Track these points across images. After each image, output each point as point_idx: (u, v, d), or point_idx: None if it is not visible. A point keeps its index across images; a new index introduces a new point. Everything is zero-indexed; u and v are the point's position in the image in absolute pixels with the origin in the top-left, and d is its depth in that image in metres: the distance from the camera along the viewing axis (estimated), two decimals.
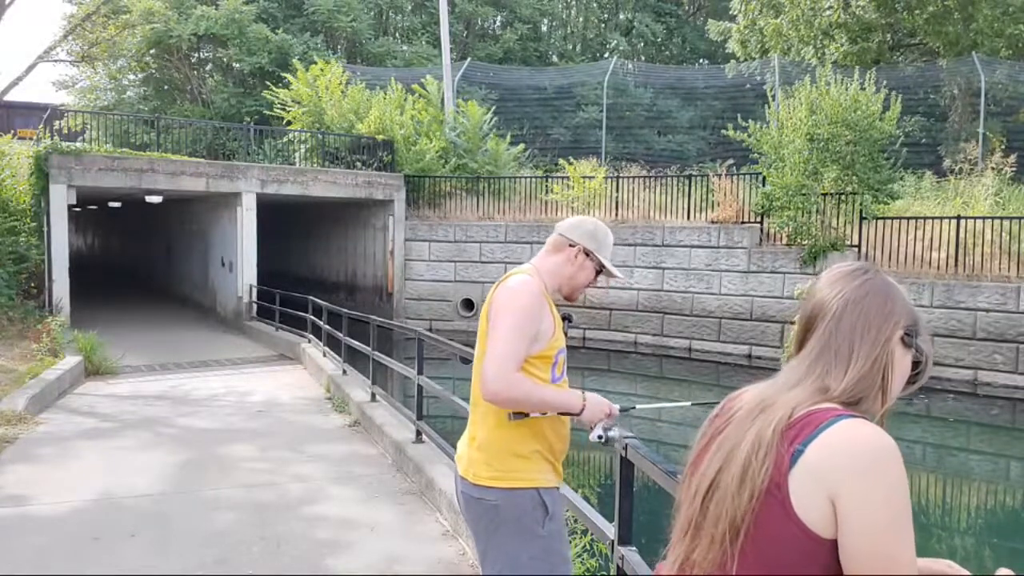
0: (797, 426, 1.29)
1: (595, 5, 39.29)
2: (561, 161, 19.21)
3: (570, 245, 2.60)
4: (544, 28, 38.56)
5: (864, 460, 1.23)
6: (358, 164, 19.62)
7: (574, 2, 39.68)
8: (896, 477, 1.24)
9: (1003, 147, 16.05)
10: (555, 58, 36.90)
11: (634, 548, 2.82)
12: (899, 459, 1.25)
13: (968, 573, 1.43)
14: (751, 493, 1.26)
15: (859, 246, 14.10)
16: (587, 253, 2.60)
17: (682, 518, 1.39)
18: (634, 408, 2.77)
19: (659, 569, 1.49)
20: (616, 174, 18.63)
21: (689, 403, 2.99)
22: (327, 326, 11.28)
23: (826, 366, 1.36)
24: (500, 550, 2.39)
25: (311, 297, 13.21)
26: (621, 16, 38.36)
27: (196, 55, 31.12)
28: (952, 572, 1.44)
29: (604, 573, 5.12)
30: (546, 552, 2.38)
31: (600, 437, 2.48)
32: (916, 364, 1.41)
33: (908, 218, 13.86)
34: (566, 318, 2.63)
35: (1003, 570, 1.34)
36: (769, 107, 15.96)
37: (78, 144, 16.04)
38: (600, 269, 2.64)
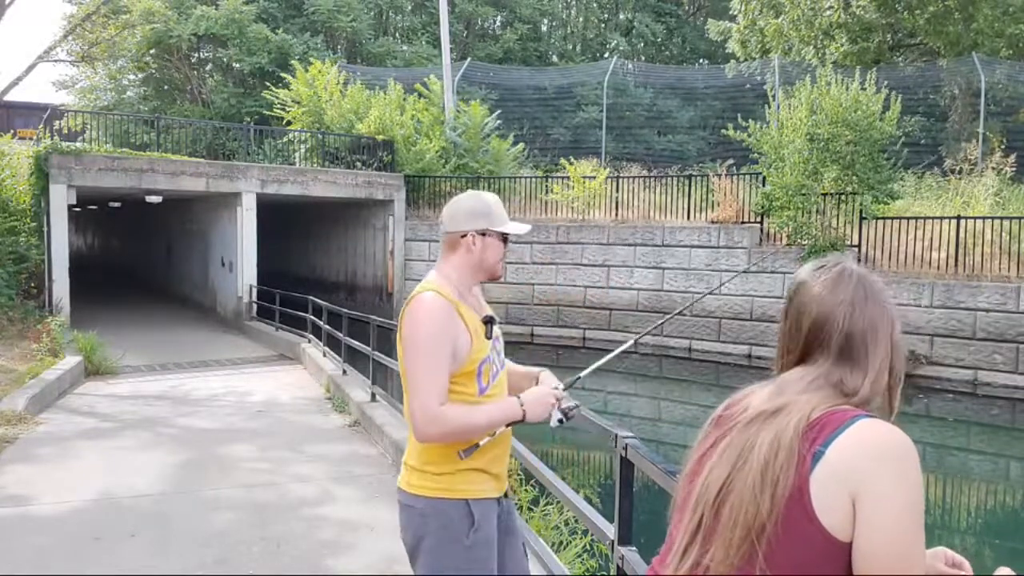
0: (816, 427, 1.28)
1: (595, 5, 39.29)
2: (562, 161, 19.21)
3: (462, 236, 2.48)
4: (544, 28, 38.56)
5: (887, 458, 1.24)
6: (358, 164, 19.63)
7: (574, 2, 39.68)
8: (916, 476, 1.24)
9: (1003, 147, 16.05)
10: (555, 58, 36.91)
11: (634, 548, 2.82)
12: (917, 459, 1.26)
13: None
14: (772, 496, 1.25)
15: (859, 246, 14.10)
16: (482, 234, 2.48)
17: (688, 521, 1.37)
18: (579, 378, 2.69)
19: (655, 567, 1.47)
20: (616, 174, 18.64)
21: (632, 340, 2.82)
22: (327, 326, 11.28)
23: (844, 371, 1.36)
24: (425, 558, 2.39)
25: (311, 297, 13.21)
26: (621, 16, 38.37)
27: (196, 55, 31.13)
28: (952, 571, 1.44)
29: (604, 573, 5.12)
30: (468, 562, 2.37)
31: (560, 421, 2.39)
32: None
33: (908, 218, 13.86)
34: (488, 320, 2.49)
35: (1003, 569, 1.34)
36: (769, 107, 15.97)
37: (78, 144, 16.04)
38: (504, 238, 2.52)
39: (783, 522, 1.24)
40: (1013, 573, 1.32)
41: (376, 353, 8.43)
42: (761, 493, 1.26)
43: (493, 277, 2.57)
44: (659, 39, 36.17)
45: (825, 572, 1.24)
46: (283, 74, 23.25)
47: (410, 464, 2.43)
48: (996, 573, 1.32)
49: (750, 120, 15.80)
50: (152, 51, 29.45)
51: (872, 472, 1.22)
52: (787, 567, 1.25)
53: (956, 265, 13.12)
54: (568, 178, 18.05)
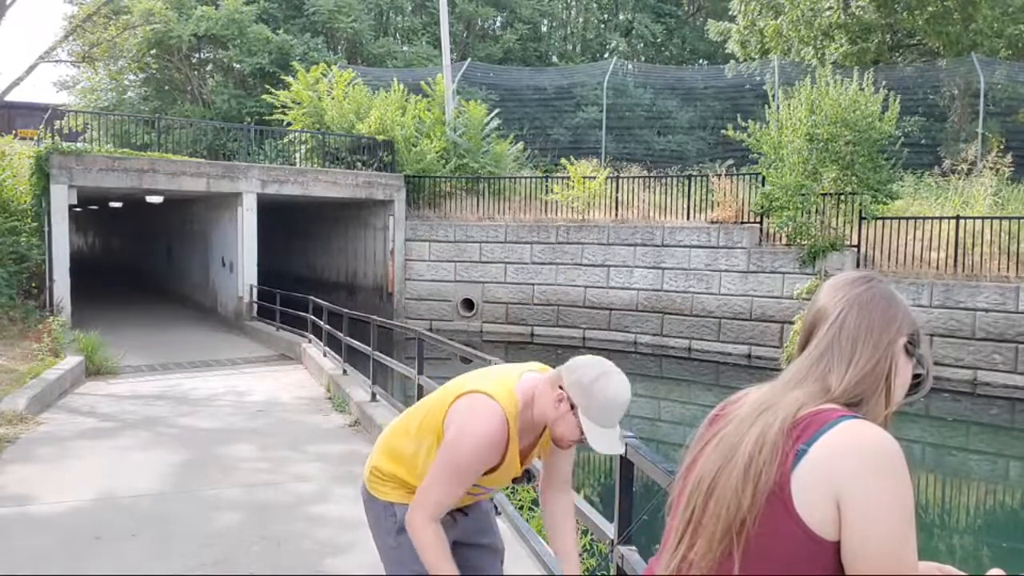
0: (801, 425, 1.29)
1: (595, 6, 39.26)
2: (563, 161, 19.23)
3: (560, 387, 2.21)
4: (544, 28, 38.54)
5: (871, 461, 1.24)
6: (358, 164, 19.64)
7: (574, 3, 39.65)
8: (902, 479, 1.24)
9: (1002, 147, 16.06)
10: (555, 58, 36.90)
11: (634, 548, 2.84)
12: (903, 461, 1.26)
13: None
14: (754, 491, 1.27)
15: (858, 246, 14.11)
16: (572, 406, 2.19)
17: (679, 517, 1.39)
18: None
19: (652, 566, 1.49)
20: (616, 174, 18.64)
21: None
22: (327, 326, 11.30)
23: (828, 365, 1.37)
24: (377, 549, 2.59)
25: (311, 297, 13.23)
26: (621, 17, 38.35)
27: (196, 55, 31.12)
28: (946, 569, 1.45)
29: (604, 573, 5.13)
30: (397, 563, 2.48)
31: None
32: (916, 375, 1.42)
33: (907, 218, 13.87)
34: (526, 476, 2.41)
35: (995, 570, 1.35)
36: (769, 107, 15.97)
37: (79, 144, 16.05)
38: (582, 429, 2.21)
39: (763, 517, 1.26)
40: (1004, 574, 1.33)
41: (376, 353, 8.45)
42: (743, 488, 1.28)
43: (557, 444, 2.37)
44: (659, 40, 36.16)
45: (808, 569, 1.25)
46: (284, 76, 23.25)
47: (373, 457, 2.61)
48: (988, 574, 1.33)
49: (750, 120, 15.81)
50: (153, 51, 29.43)
51: (854, 473, 1.23)
52: (768, 562, 1.26)
53: (955, 265, 13.13)
54: (568, 178, 18.07)
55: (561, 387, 2.20)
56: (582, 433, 2.19)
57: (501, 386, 2.31)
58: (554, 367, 2.37)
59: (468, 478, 2.26)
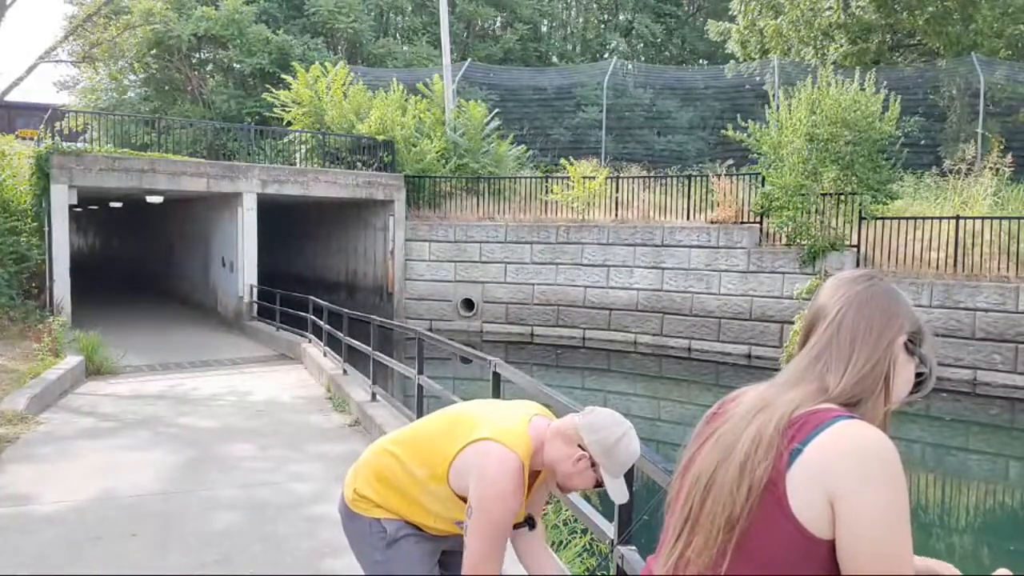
0: (797, 424, 1.29)
1: (595, 6, 39.28)
2: (563, 161, 19.22)
3: (581, 447, 2.28)
4: (544, 29, 38.55)
5: (865, 462, 1.24)
6: (358, 164, 19.64)
7: (574, 3, 39.68)
8: (896, 478, 1.25)
9: (1002, 147, 16.06)
10: (555, 59, 36.90)
11: (634, 547, 2.83)
12: (898, 461, 1.26)
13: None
14: (749, 489, 1.27)
15: (858, 246, 14.11)
16: (593, 464, 2.29)
17: (678, 515, 1.39)
18: None
19: (650, 565, 1.49)
20: (616, 174, 18.64)
21: None
22: (327, 326, 11.30)
23: (826, 364, 1.37)
24: (358, 560, 2.58)
25: (312, 297, 13.23)
26: (621, 17, 38.37)
27: (196, 55, 31.11)
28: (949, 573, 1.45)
29: (604, 573, 5.13)
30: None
31: None
32: (919, 374, 1.42)
33: (907, 218, 13.87)
34: (529, 523, 2.46)
35: (1002, 570, 1.35)
36: (769, 107, 15.96)
37: (79, 144, 16.06)
38: (598, 482, 2.33)
39: (758, 515, 1.26)
40: (1011, 574, 1.33)
41: (376, 353, 8.45)
42: (738, 487, 1.28)
43: (561, 490, 2.48)
44: (659, 40, 36.17)
45: (803, 567, 1.25)
46: (284, 75, 23.24)
47: (355, 468, 2.61)
48: (995, 574, 1.33)
49: (749, 120, 15.81)
50: (152, 51, 29.43)
51: (849, 473, 1.23)
52: (763, 560, 1.26)
53: (955, 265, 13.13)
54: (568, 178, 18.06)
55: (581, 446, 2.27)
56: (596, 485, 2.32)
57: (513, 432, 2.32)
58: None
59: (507, 533, 2.31)
